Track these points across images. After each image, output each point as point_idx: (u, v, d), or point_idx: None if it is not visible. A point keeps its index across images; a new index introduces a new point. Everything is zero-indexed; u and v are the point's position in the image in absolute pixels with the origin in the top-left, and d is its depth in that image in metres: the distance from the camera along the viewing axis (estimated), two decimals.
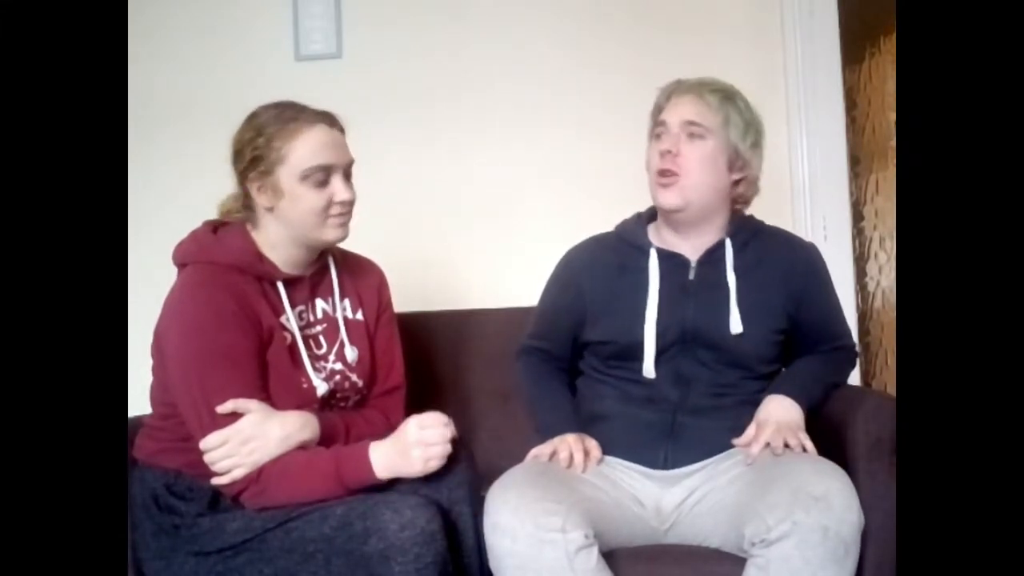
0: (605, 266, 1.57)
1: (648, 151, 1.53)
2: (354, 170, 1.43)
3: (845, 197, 2.20)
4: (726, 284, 1.49)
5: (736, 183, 1.51)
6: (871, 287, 2.96)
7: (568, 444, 1.45)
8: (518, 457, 1.48)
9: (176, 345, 1.33)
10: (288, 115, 1.36)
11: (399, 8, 2.25)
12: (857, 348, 1.65)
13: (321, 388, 1.38)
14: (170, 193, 2.20)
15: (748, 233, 1.54)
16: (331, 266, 1.50)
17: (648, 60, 2.17)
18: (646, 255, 1.53)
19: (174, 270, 1.42)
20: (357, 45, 2.25)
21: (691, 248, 1.53)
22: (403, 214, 2.18)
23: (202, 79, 2.26)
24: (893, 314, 2.81)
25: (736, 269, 1.50)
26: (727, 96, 1.50)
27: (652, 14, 2.21)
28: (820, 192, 2.17)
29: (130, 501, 1.36)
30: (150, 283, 1.46)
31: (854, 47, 2.64)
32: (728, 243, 1.52)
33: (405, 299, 1.64)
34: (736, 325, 1.46)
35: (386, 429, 1.36)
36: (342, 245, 1.48)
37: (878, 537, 1.28)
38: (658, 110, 1.54)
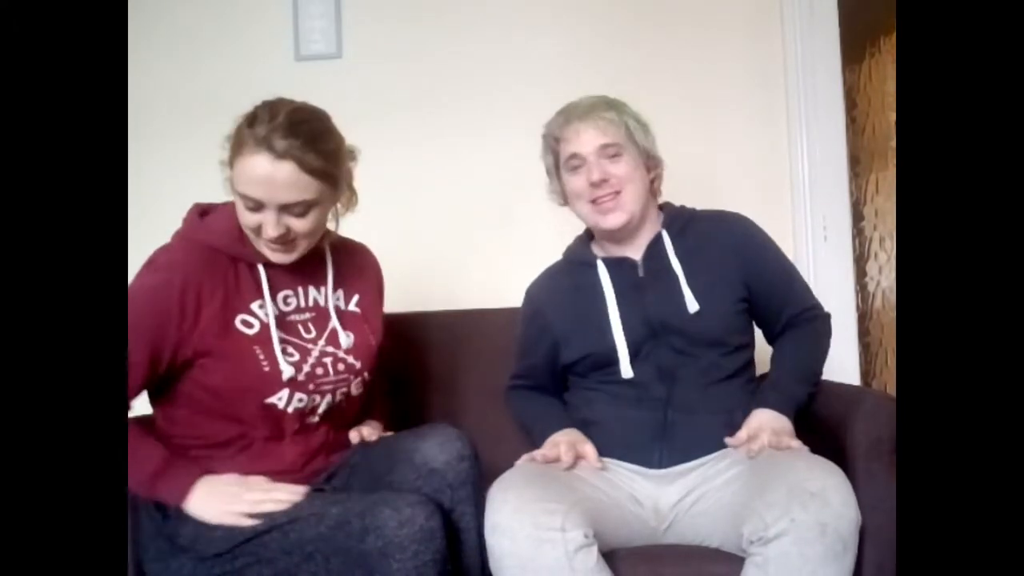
0: (561, 291, 1.63)
1: (568, 185, 1.59)
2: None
3: (845, 197, 2.20)
4: (673, 270, 1.54)
5: (652, 180, 1.60)
6: (871, 287, 2.96)
7: (557, 444, 1.47)
8: (518, 458, 1.49)
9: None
10: (247, 124, 1.29)
11: (399, 8, 2.25)
12: (828, 311, 1.65)
13: (287, 372, 1.34)
14: (169, 192, 2.18)
15: (683, 220, 1.61)
16: (327, 256, 1.48)
17: (648, 60, 2.17)
18: (594, 268, 1.59)
19: None
20: (357, 45, 2.25)
21: (634, 249, 1.59)
22: (402, 214, 2.18)
23: (202, 79, 2.26)
24: (893, 314, 2.81)
25: (679, 255, 1.56)
26: (618, 108, 1.57)
27: (652, 14, 2.21)
28: (820, 192, 2.17)
29: (130, 501, 1.36)
30: None
31: (854, 47, 2.64)
32: (664, 234, 1.58)
33: (405, 299, 1.64)
34: (692, 304, 1.50)
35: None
36: (340, 232, 1.47)
37: (878, 537, 1.28)
38: (555, 141, 1.60)
